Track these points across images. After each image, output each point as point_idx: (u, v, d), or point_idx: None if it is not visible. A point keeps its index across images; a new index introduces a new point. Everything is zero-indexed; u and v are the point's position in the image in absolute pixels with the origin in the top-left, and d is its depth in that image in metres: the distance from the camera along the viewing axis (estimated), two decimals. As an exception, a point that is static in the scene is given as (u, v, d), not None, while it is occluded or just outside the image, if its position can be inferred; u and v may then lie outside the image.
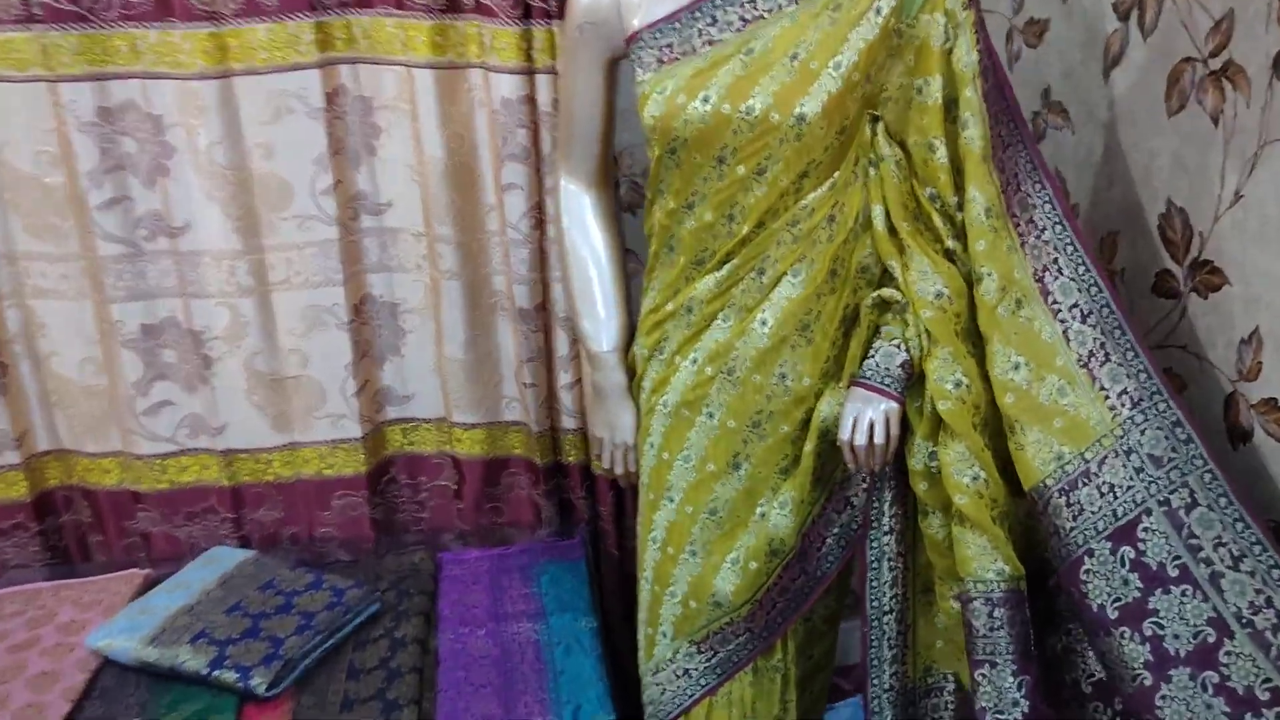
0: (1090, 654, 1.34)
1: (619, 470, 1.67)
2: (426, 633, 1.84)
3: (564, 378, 2.07)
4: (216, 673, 1.67)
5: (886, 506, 1.51)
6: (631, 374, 1.61)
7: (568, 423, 2.11)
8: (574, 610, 1.90)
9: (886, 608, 1.54)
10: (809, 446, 1.47)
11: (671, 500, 1.54)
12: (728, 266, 1.45)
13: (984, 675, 1.36)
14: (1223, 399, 1.37)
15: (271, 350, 2.04)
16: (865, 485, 1.51)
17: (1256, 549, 1.16)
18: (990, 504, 1.37)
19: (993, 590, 1.36)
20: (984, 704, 1.37)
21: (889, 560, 1.52)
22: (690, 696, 1.58)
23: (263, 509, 2.14)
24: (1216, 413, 1.38)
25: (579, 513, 2.18)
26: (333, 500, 2.15)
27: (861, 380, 1.43)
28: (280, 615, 1.80)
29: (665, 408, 1.53)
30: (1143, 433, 1.26)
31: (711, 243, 1.44)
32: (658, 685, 1.61)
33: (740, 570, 1.52)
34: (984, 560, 1.36)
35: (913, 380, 1.42)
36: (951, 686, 1.54)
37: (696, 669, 1.57)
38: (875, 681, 1.56)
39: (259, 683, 1.65)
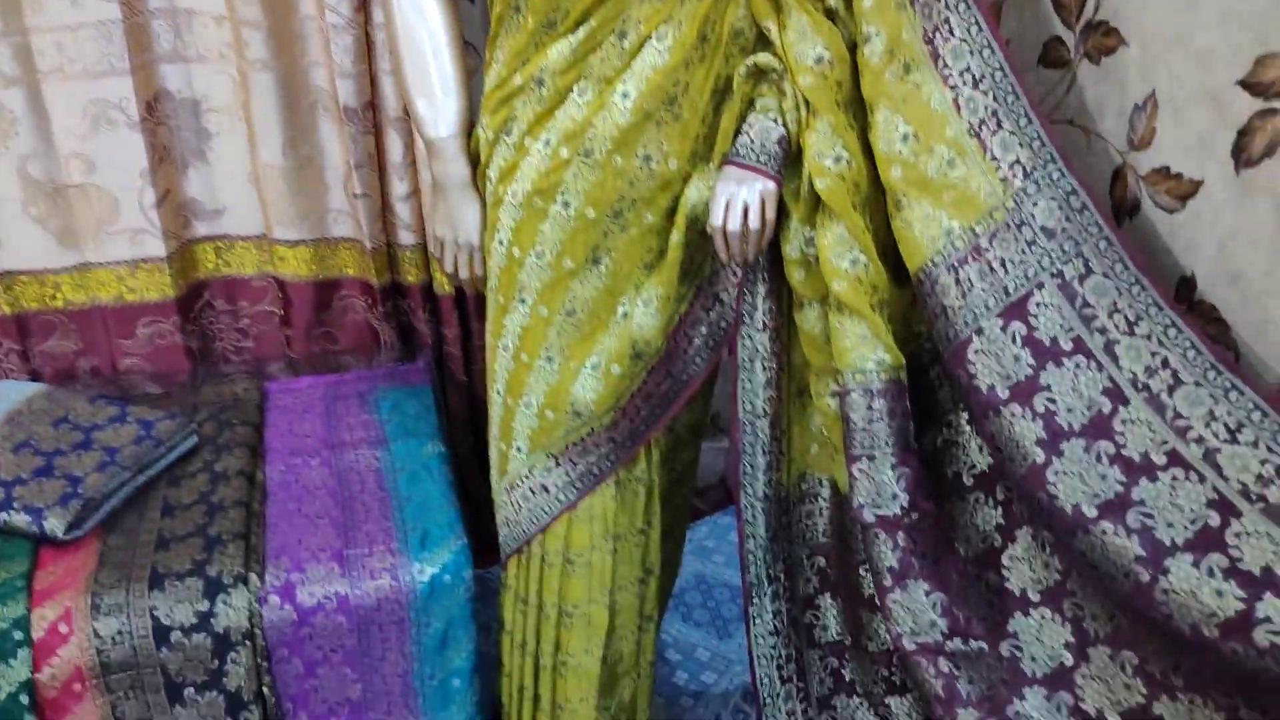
0: (973, 446, 1.28)
1: (464, 275, 1.49)
2: (253, 465, 1.67)
3: (400, 187, 1.87)
4: (4, 515, 1.48)
5: (760, 301, 1.40)
6: (475, 163, 1.43)
7: (405, 238, 1.93)
8: (419, 436, 1.76)
9: (760, 411, 1.44)
10: (676, 237, 1.34)
11: (524, 302, 1.39)
12: (584, 29, 1.27)
13: (861, 470, 1.29)
14: (1109, 173, 1.29)
15: (49, 153, 1.77)
16: (737, 278, 1.39)
17: (1153, 310, 1.10)
18: (870, 290, 1.28)
19: (872, 381, 1.28)
20: (861, 500, 1.30)
21: (763, 360, 1.42)
22: (549, 513, 1.46)
23: (53, 339, 1.90)
24: (1102, 189, 1.30)
25: (422, 336, 2.02)
26: (138, 329, 1.93)
27: (734, 159, 1.29)
28: (78, 452, 1.59)
29: (514, 198, 1.36)
30: (1035, 204, 1.17)
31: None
32: (512, 504, 1.48)
33: (601, 376, 1.39)
34: (863, 350, 1.27)
35: (790, 158, 1.29)
36: (827, 492, 1.47)
37: (555, 484, 1.45)
38: (749, 490, 1.48)
39: (55, 524, 1.47)
